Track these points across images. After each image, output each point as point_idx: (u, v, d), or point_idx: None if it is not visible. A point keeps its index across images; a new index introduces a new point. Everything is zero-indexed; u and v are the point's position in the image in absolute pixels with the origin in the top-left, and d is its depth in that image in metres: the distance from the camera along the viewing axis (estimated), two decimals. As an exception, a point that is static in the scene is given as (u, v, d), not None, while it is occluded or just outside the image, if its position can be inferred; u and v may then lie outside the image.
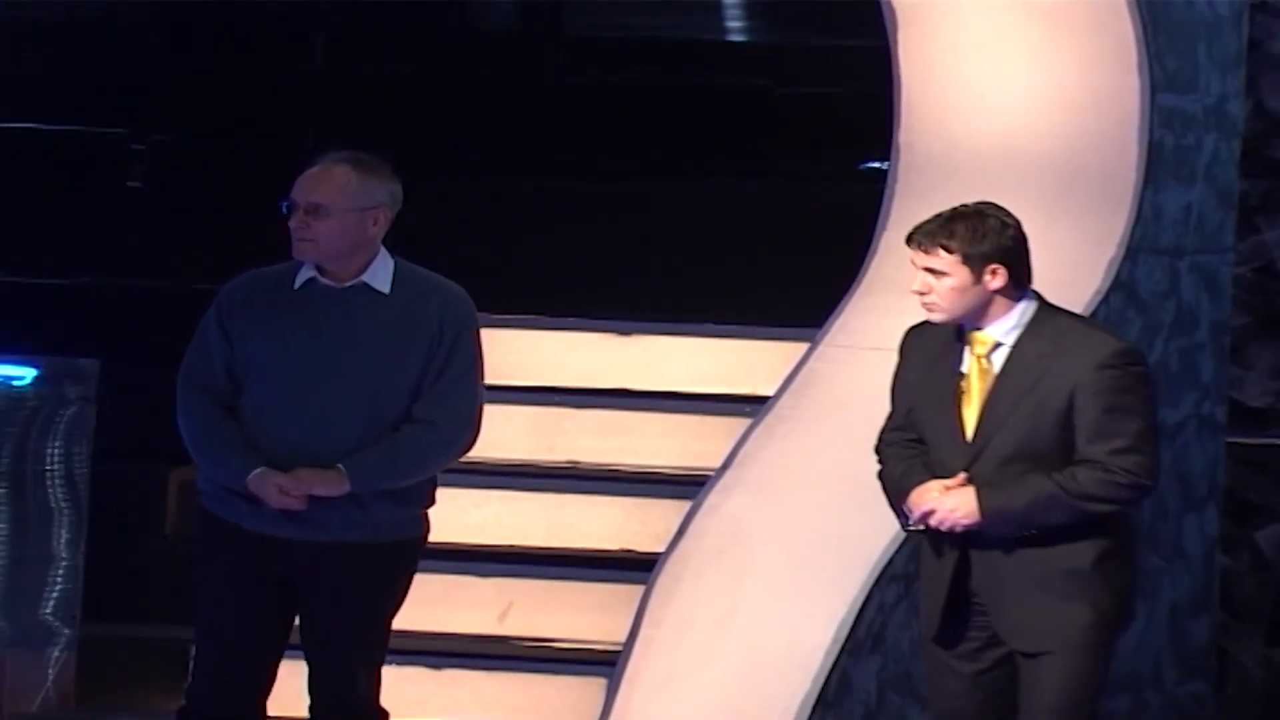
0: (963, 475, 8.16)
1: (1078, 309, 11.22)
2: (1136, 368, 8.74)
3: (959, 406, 8.54)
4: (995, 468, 8.48)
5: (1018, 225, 8.62)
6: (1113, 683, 10.84)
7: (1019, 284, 8.51)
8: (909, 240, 8.45)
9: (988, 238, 8.46)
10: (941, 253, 8.38)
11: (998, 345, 8.53)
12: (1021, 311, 8.54)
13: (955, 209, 8.54)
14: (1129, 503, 8.68)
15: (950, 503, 8.19)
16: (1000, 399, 8.48)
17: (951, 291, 8.42)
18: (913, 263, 8.42)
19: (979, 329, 8.54)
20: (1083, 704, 8.69)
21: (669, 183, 13.34)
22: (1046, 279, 11.41)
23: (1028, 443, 8.54)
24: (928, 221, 8.50)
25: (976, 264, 8.40)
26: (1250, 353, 14.10)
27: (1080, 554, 8.46)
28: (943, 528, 8.20)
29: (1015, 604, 8.45)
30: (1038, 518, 8.39)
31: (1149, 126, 11.40)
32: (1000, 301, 8.55)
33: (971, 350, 8.55)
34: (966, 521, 8.19)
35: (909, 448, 8.74)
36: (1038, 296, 8.63)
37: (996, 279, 8.41)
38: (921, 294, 8.44)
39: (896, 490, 8.62)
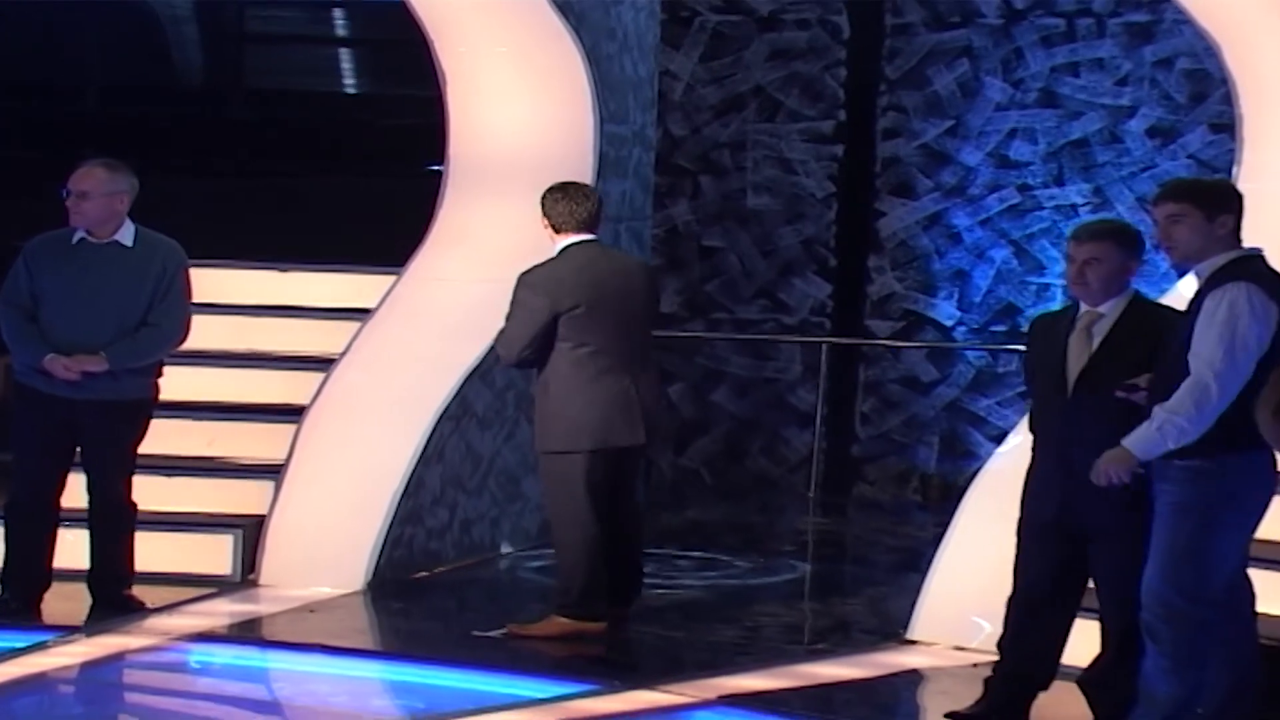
0: None
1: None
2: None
3: None
4: None
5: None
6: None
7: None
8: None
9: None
10: None
11: None
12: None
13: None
14: None
15: None
16: None
17: None
18: None
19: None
20: (554, 499, 9.08)
21: (314, 178, 13.24)
22: (539, 236, 11.34)
23: (649, 327, 9.19)
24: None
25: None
26: (664, 281, 14.14)
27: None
28: None
29: None
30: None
31: (599, 144, 11.37)
32: None
33: None
34: None
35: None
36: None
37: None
38: None
39: None
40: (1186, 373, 6.72)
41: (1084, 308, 7.31)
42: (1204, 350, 6.69)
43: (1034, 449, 7.44)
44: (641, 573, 9.38)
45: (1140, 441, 6.74)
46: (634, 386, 8.95)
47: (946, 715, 7.53)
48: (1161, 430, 6.69)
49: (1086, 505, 7.16)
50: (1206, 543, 6.80)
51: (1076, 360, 7.25)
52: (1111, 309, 7.29)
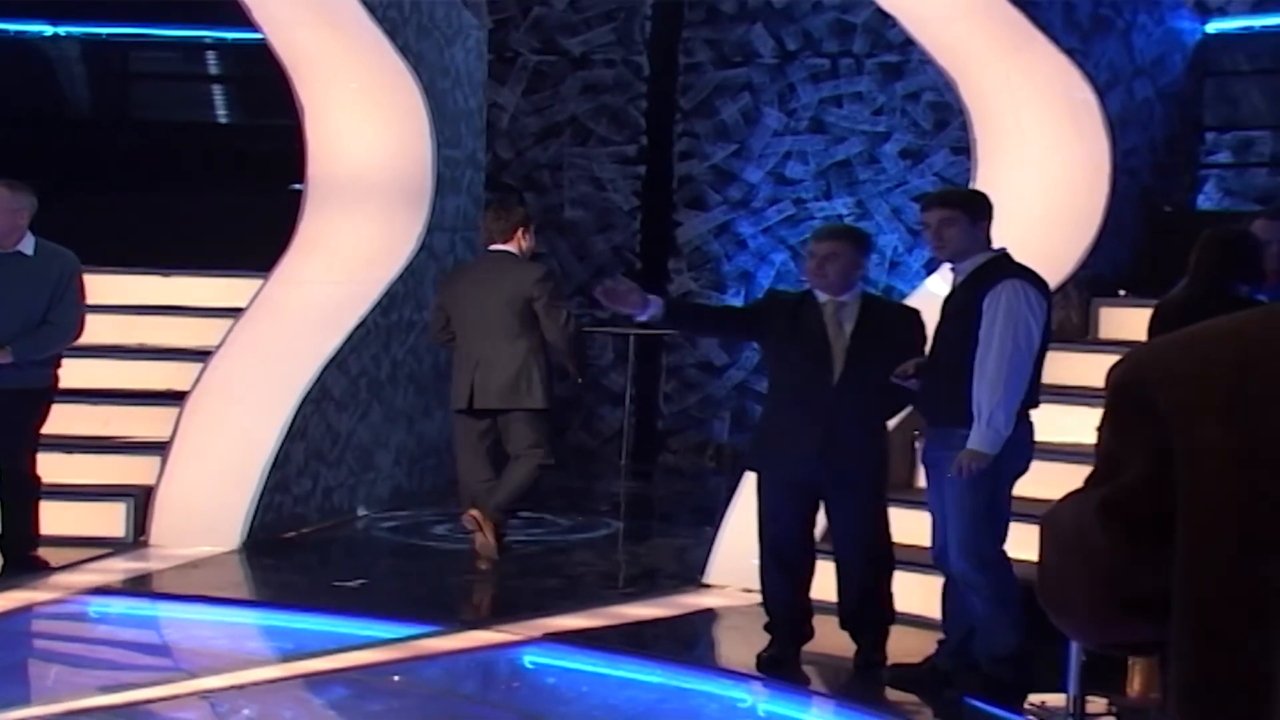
0: None
1: (404, 260, 11.25)
2: (553, 281, 9.77)
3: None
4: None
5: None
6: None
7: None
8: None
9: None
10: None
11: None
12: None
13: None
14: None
15: None
16: None
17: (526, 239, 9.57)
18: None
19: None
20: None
21: (192, 196, 13.02)
22: (387, 245, 11.33)
23: (511, 316, 9.37)
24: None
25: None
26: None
27: None
28: None
29: None
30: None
31: (437, 165, 11.35)
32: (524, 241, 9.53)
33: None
34: None
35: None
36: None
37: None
38: None
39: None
40: (959, 359, 6.80)
41: (824, 297, 7.33)
42: (993, 349, 6.75)
43: (783, 416, 7.40)
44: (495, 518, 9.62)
45: (983, 440, 6.74)
46: (482, 365, 9.39)
47: (759, 657, 7.54)
48: (991, 425, 6.73)
49: (842, 467, 7.25)
50: (999, 496, 6.90)
51: (838, 346, 7.28)
52: (851, 299, 7.34)
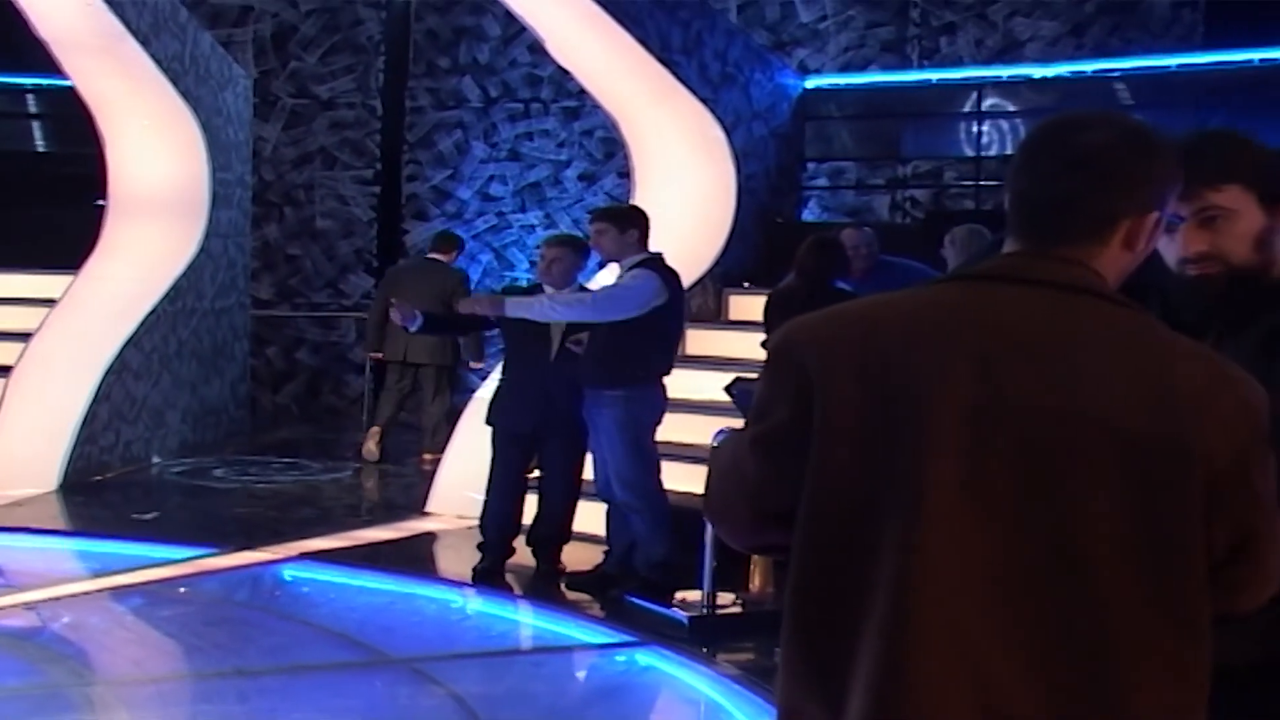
0: None
1: (187, 261, 10.99)
2: (467, 283, 10.63)
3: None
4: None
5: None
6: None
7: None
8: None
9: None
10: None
11: None
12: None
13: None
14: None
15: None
16: None
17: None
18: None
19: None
20: None
21: (19, 209, 12.59)
22: (173, 248, 11.04)
23: (437, 303, 9.53)
24: None
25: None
26: (260, 279, 13.87)
27: None
28: None
29: None
30: None
31: (213, 186, 11.17)
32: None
33: None
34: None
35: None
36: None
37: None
38: None
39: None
40: (609, 337, 6.87)
41: (551, 290, 7.36)
42: (602, 287, 6.90)
43: (514, 382, 7.43)
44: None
45: (520, 305, 6.94)
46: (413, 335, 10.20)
47: (474, 569, 7.55)
48: (540, 306, 6.91)
49: (558, 422, 7.30)
50: (643, 442, 7.01)
51: (555, 328, 7.31)
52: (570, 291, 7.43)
